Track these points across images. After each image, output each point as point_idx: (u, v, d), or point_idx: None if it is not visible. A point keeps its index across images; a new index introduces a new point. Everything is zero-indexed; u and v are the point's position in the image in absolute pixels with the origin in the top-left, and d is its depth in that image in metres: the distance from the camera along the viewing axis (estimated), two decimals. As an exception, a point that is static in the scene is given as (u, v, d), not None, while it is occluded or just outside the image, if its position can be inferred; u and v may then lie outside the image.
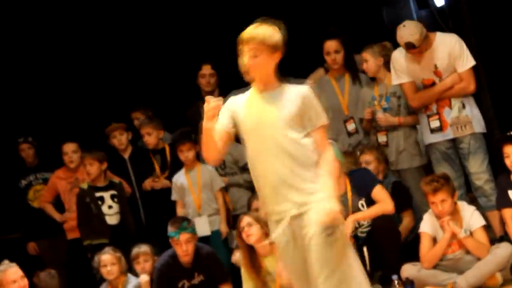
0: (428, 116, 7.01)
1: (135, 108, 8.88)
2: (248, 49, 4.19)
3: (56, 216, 8.37)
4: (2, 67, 9.47)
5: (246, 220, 6.39)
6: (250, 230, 6.34)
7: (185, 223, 6.87)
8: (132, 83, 9.72)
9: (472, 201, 6.85)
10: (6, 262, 6.55)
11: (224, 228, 7.64)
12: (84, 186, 7.96)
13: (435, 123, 6.98)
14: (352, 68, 7.74)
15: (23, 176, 8.78)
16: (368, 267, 6.39)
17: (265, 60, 4.20)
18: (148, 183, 8.16)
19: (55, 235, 8.43)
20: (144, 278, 7.18)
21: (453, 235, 6.08)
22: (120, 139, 8.43)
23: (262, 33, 4.19)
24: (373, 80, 7.58)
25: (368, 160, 7.06)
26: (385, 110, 7.36)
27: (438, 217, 6.14)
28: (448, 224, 6.06)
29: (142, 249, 7.36)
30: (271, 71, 4.27)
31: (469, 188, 7.01)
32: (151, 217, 8.26)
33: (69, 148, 8.31)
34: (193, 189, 7.71)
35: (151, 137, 8.21)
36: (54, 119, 9.44)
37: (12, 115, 9.42)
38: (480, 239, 6.10)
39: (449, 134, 6.94)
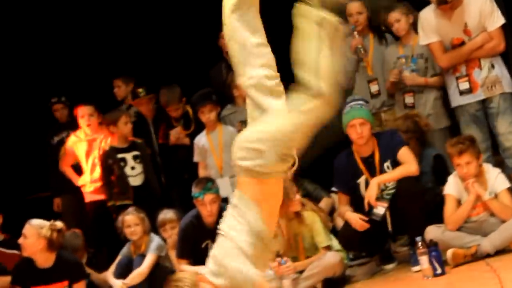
0: (457, 78, 6.93)
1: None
2: None
3: (75, 179, 8.39)
4: (35, 26, 9.46)
5: (294, 189, 6.36)
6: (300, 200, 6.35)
7: (210, 184, 6.88)
8: (155, 47, 9.64)
9: (499, 163, 6.78)
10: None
11: (245, 189, 7.65)
12: (107, 147, 7.99)
13: (464, 85, 6.90)
14: (376, 28, 7.67)
15: (55, 133, 8.84)
16: (390, 229, 6.41)
17: None
18: (173, 135, 8.15)
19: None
20: (172, 243, 7.25)
21: (478, 198, 6.06)
22: (148, 108, 8.41)
23: None
24: (398, 40, 7.51)
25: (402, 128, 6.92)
26: (412, 71, 7.30)
27: (463, 179, 6.12)
28: (473, 186, 6.04)
29: (167, 216, 7.39)
30: None
31: (496, 150, 6.95)
32: (173, 178, 8.27)
33: (86, 111, 8.25)
34: (214, 150, 7.72)
35: (178, 111, 8.23)
36: (86, 78, 9.41)
37: (43, 74, 9.43)
38: (505, 201, 6.06)
39: (479, 95, 6.86)
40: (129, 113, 8.17)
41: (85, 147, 8.26)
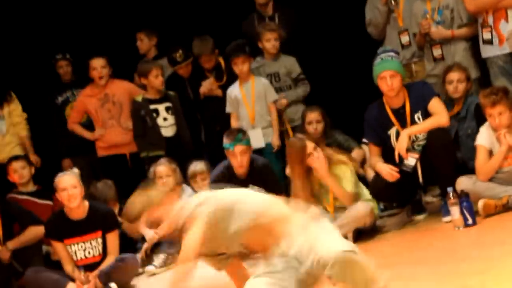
0: (482, 27, 6.89)
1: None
2: None
3: (87, 135, 8.39)
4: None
5: (310, 146, 6.34)
6: (317, 154, 6.32)
7: (240, 135, 6.90)
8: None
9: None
10: (74, 169, 6.69)
11: (276, 141, 7.69)
12: (139, 98, 8.00)
13: (487, 35, 6.86)
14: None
15: (59, 92, 8.77)
16: (420, 180, 6.41)
17: None
18: (205, 86, 8.17)
19: (90, 152, 8.45)
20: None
21: (510, 148, 6.03)
22: (186, 70, 8.40)
23: None
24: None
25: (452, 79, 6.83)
26: (438, 23, 7.23)
27: (495, 130, 6.09)
28: (505, 137, 6.01)
29: (198, 167, 7.46)
30: None
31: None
32: (208, 130, 8.31)
33: (98, 63, 8.22)
34: (247, 101, 7.74)
35: (210, 63, 8.22)
36: (88, 35, 9.27)
37: (47, 31, 9.27)
38: None
39: (505, 48, 6.81)
40: (160, 65, 8.16)
41: (97, 102, 8.28)
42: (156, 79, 7.95)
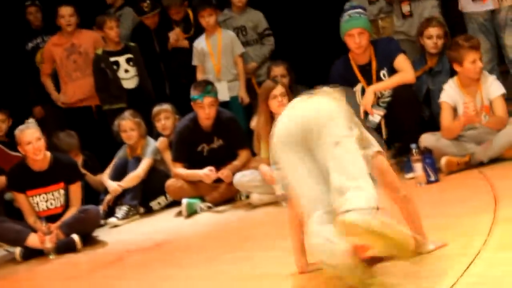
0: None
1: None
2: None
3: (54, 95, 8.35)
4: None
5: (280, 89, 6.34)
6: (283, 100, 6.32)
7: (209, 87, 6.90)
8: None
9: (504, 73, 6.81)
10: (29, 121, 6.60)
11: (243, 94, 7.68)
12: (99, 51, 7.94)
13: None
14: None
15: (29, 39, 8.67)
16: (384, 137, 6.43)
17: None
18: (172, 37, 8.10)
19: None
20: (162, 141, 7.31)
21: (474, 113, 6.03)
22: (153, 20, 8.31)
23: None
24: None
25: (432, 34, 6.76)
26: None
27: (474, 76, 6.07)
28: (467, 108, 5.98)
29: (163, 107, 7.46)
30: None
31: (503, 61, 6.89)
32: (174, 83, 8.26)
33: (66, 11, 8.13)
34: (213, 54, 7.70)
35: (179, 14, 8.16)
36: None
37: None
38: (499, 106, 6.04)
39: (488, 5, 6.75)
40: (115, 17, 8.08)
41: (64, 52, 8.18)
42: (111, 31, 7.90)
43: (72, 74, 8.16)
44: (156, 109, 7.50)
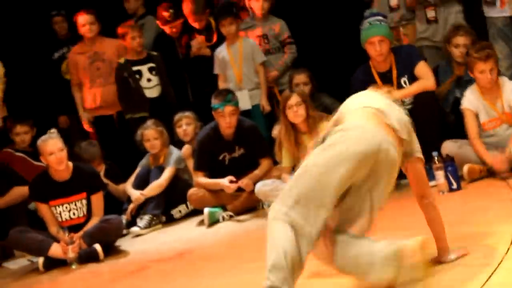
0: None
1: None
2: None
3: (80, 110, 8.35)
4: None
5: (295, 98, 6.39)
6: (299, 110, 6.35)
7: (230, 96, 6.91)
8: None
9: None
10: (52, 131, 6.63)
11: (264, 103, 7.67)
12: (122, 61, 7.97)
13: None
14: None
15: (56, 49, 8.72)
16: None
17: None
18: (194, 46, 8.11)
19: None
20: (186, 149, 7.32)
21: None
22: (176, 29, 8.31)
23: None
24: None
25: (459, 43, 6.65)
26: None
27: (486, 86, 6.04)
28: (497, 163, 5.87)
29: (185, 113, 7.49)
30: None
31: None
32: (196, 91, 8.27)
33: (86, 20, 8.17)
34: (234, 62, 7.70)
35: (201, 23, 8.16)
36: None
37: None
38: None
39: (506, 10, 6.73)
40: (137, 26, 8.11)
41: (87, 60, 8.22)
42: (133, 41, 7.94)
43: (96, 80, 8.20)
44: (178, 115, 7.53)
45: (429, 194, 4.05)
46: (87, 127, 8.34)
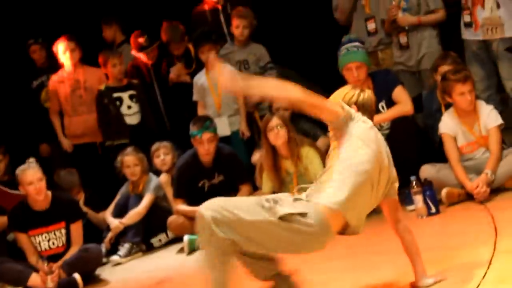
0: (463, 9, 6.83)
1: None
2: None
3: (60, 136, 8.29)
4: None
5: (275, 121, 6.41)
6: (280, 132, 6.37)
7: (208, 123, 6.91)
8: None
9: (504, 101, 6.84)
10: (30, 160, 6.60)
11: (244, 128, 7.67)
12: (102, 87, 7.95)
13: (467, 18, 6.79)
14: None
15: (34, 77, 8.67)
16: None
17: None
18: (173, 72, 8.11)
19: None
20: (164, 177, 7.30)
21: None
22: (152, 55, 8.31)
23: None
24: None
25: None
26: (404, 10, 7.19)
27: (460, 109, 6.05)
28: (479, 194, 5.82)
29: (162, 143, 7.47)
30: None
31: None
32: (174, 118, 8.26)
33: (67, 46, 8.09)
34: (213, 89, 7.70)
35: (179, 49, 8.17)
36: (63, 19, 9.12)
37: (20, 15, 9.19)
38: (493, 139, 6.01)
39: (479, 34, 6.75)
40: (118, 53, 8.10)
41: (68, 88, 8.18)
42: (114, 68, 7.93)
43: (78, 109, 8.17)
44: (155, 145, 7.50)
45: (402, 217, 4.11)
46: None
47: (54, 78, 8.29)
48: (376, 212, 6.27)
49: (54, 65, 8.46)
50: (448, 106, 6.46)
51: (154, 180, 7.38)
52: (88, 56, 8.36)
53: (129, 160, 7.39)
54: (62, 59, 8.17)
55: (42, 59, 8.71)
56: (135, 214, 7.15)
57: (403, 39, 7.23)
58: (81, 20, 9.03)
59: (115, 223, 7.13)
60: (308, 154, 6.40)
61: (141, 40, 8.19)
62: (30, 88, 8.66)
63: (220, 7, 8.17)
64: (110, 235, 7.17)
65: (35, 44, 8.69)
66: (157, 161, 7.45)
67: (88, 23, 8.94)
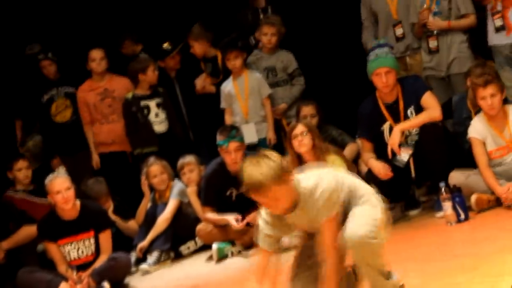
0: (493, 14, 6.78)
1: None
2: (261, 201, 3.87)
3: (92, 148, 8.29)
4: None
5: (300, 128, 6.40)
6: (304, 140, 6.35)
7: (234, 132, 6.89)
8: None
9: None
10: (60, 170, 6.64)
11: (271, 135, 7.67)
12: (129, 96, 7.98)
13: (498, 22, 6.74)
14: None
15: (45, 91, 8.62)
16: (413, 175, 6.36)
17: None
18: (198, 84, 8.12)
19: (79, 151, 8.41)
20: (191, 188, 7.30)
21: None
22: (175, 61, 8.37)
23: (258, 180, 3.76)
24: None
25: None
26: (435, 14, 7.16)
27: (488, 113, 5.99)
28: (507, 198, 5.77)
29: (186, 159, 7.46)
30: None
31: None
32: (199, 127, 8.27)
33: (97, 54, 8.19)
34: (240, 96, 7.70)
35: (200, 48, 8.15)
36: (74, 32, 9.20)
37: (28, 28, 9.20)
38: None
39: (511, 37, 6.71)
40: (153, 61, 8.14)
41: (97, 96, 8.23)
42: (153, 74, 7.96)
43: (109, 117, 8.21)
44: (179, 162, 7.50)
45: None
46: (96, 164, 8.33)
47: (82, 88, 8.32)
48: (405, 218, 6.34)
49: (64, 78, 8.53)
50: (478, 112, 6.42)
51: (178, 185, 7.38)
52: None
53: (155, 169, 7.41)
54: (91, 66, 8.21)
55: (52, 74, 8.64)
56: (162, 221, 7.16)
57: (432, 43, 7.19)
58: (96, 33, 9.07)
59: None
60: (334, 162, 6.36)
61: (165, 45, 8.22)
62: (40, 102, 8.62)
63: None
64: (142, 244, 7.12)
65: (45, 60, 8.64)
66: (184, 179, 7.46)
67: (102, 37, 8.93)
